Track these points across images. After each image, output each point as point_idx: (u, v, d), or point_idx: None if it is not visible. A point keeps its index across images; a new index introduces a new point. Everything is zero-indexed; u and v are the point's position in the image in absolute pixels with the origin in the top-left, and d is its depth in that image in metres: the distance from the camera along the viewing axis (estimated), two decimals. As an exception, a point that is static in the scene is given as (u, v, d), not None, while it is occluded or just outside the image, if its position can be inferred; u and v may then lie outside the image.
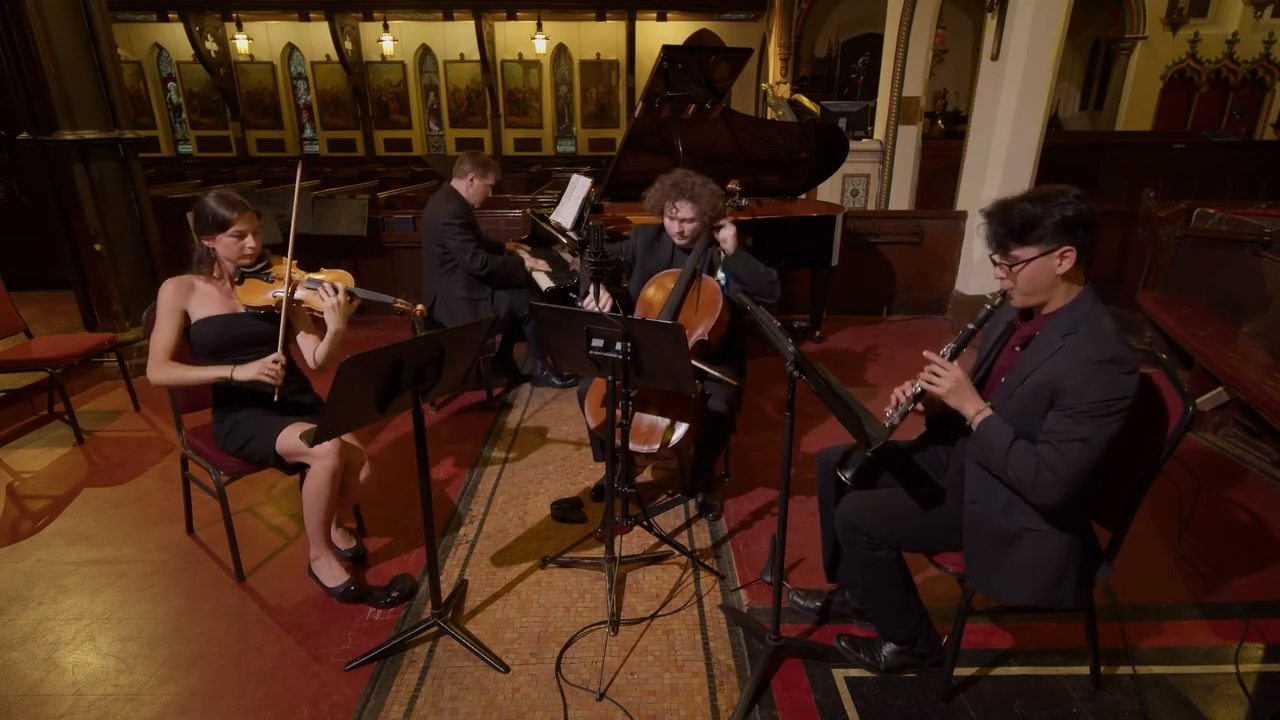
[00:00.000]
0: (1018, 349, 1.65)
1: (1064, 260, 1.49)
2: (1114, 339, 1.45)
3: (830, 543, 2.04)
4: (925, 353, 1.66)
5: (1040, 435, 1.50)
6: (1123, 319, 4.22)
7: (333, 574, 2.23)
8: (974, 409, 1.59)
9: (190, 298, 2.14)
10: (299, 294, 2.16)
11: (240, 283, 2.17)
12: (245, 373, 2.08)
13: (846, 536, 1.82)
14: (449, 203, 3.44)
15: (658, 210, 2.59)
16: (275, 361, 2.08)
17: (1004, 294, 1.62)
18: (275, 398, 2.14)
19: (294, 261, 2.16)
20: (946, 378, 1.60)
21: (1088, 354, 1.44)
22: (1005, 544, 1.63)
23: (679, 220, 2.53)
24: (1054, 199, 1.47)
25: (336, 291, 2.13)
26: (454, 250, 3.44)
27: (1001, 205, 1.53)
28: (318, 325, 2.29)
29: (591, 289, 2.54)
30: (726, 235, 2.52)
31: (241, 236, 2.11)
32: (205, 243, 2.13)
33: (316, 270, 2.21)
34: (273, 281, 2.17)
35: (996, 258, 1.56)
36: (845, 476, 1.79)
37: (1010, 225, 1.50)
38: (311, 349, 2.26)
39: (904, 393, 1.72)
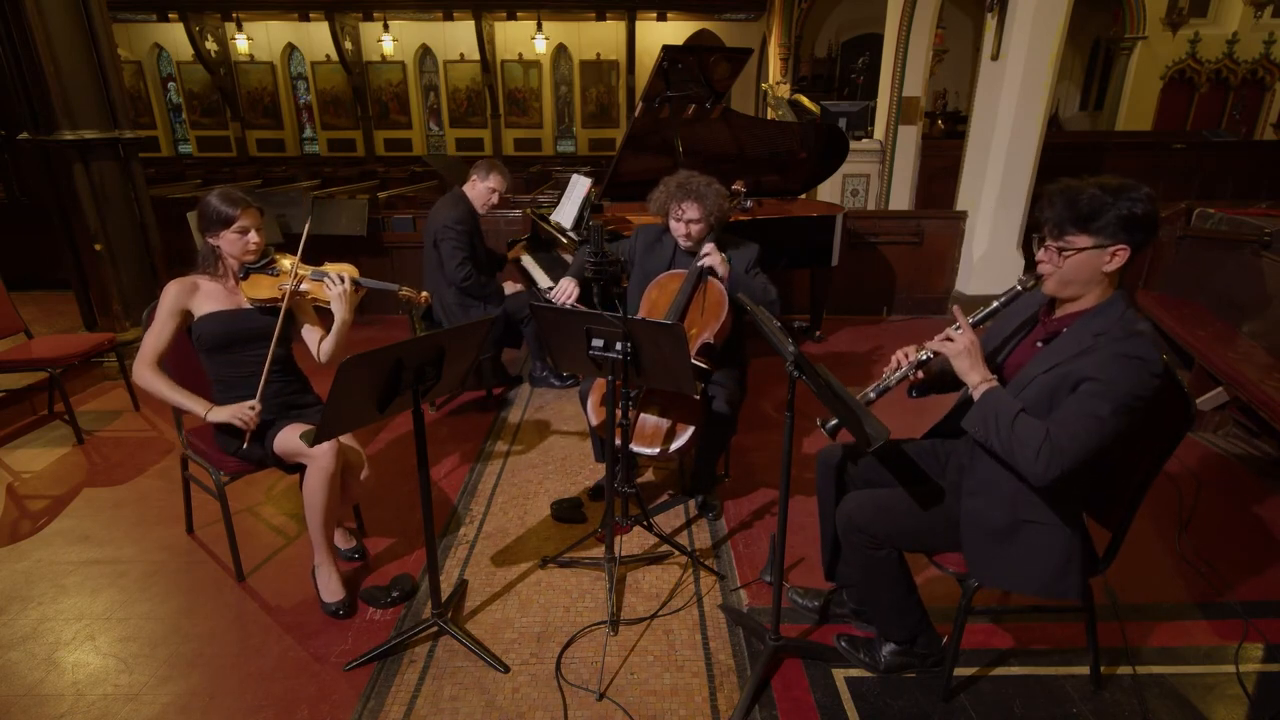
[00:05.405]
0: (1039, 344, 1.63)
1: (1115, 258, 1.46)
2: (1150, 342, 1.45)
3: (830, 543, 2.04)
4: (955, 310, 1.66)
5: (1054, 414, 1.48)
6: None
7: (329, 589, 2.20)
8: (979, 377, 1.57)
9: (194, 297, 2.15)
10: (304, 285, 2.17)
11: (245, 278, 2.18)
12: (218, 415, 2.08)
13: (847, 536, 1.82)
14: (454, 207, 3.45)
15: (663, 213, 2.57)
16: (251, 408, 2.08)
17: (1037, 278, 1.59)
18: (244, 444, 2.14)
19: (298, 256, 2.17)
20: (961, 339, 1.58)
21: (1123, 349, 1.43)
22: (1005, 536, 1.63)
23: (685, 222, 2.51)
24: (1125, 192, 1.44)
25: (343, 280, 2.15)
26: (444, 254, 3.43)
27: (1071, 187, 1.48)
28: (322, 317, 2.29)
29: (564, 283, 2.57)
30: (713, 262, 2.48)
31: (245, 232, 2.12)
32: (209, 240, 2.15)
33: (320, 265, 2.23)
34: (277, 275, 2.19)
35: (1049, 240, 1.52)
36: (826, 427, 1.74)
37: (1077, 209, 1.45)
38: (316, 342, 2.27)
39: (906, 356, 1.71)
